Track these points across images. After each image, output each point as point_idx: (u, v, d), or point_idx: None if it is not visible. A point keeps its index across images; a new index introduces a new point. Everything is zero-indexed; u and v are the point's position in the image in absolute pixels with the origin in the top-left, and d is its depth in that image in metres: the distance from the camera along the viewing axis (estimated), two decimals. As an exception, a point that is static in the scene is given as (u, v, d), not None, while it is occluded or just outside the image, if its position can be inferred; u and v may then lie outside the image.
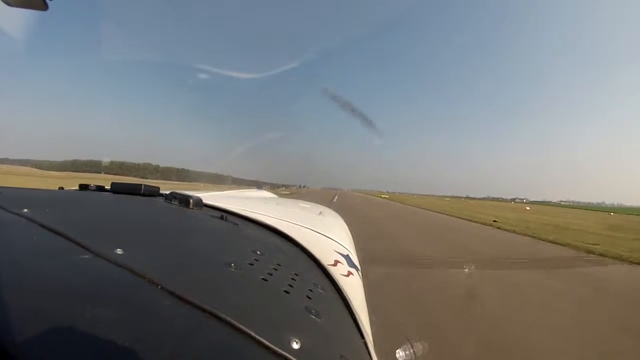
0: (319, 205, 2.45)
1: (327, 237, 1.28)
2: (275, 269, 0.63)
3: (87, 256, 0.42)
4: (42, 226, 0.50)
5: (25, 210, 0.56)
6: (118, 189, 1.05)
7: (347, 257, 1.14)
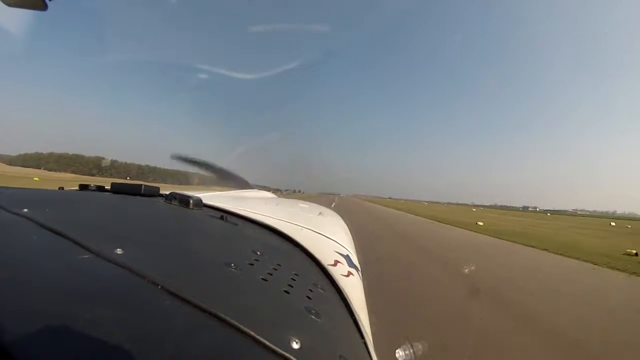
0: (318, 205, 2.45)
1: (327, 237, 1.28)
2: (275, 269, 0.63)
3: (87, 256, 0.42)
4: (42, 226, 0.50)
5: (25, 210, 0.56)
6: (118, 189, 1.05)
7: (347, 257, 1.15)
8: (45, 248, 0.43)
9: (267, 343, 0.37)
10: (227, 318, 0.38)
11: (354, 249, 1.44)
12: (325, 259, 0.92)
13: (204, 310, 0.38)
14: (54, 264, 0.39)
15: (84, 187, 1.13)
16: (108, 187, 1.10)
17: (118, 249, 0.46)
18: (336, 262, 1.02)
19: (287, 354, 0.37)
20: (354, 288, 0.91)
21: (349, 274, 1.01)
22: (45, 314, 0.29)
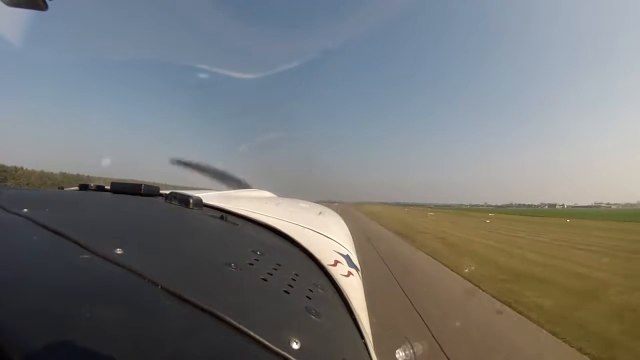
0: (319, 205, 2.46)
1: (327, 237, 1.28)
2: (275, 269, 0.63)
3: (87, 256, 0.42)
4: (42, 226, 0.50)
5: (25, 210, 0.56)
6: (118, 188, 1.05)
7: (347, 257, 1.15)
8: (45, 248, 0.43)
9: (267, 343, 0.37)
10: (227, 318, 0.38)
11: (354, 249, 1.44)
12: (325, 259, 0.92)
13: (204, 310, 0.38)
14: (54, 264, 0.39)
15: (84, 187, 1.14)
16: (108, 187, 1.10)
17: (118, 249, 0.46)
18: (336, 262, 1.02)
19: (287, 354, 0.37)
20: (353, 288, 0.91)
21: (349, 274, 1.01)
22: (45, 314, 0.29)
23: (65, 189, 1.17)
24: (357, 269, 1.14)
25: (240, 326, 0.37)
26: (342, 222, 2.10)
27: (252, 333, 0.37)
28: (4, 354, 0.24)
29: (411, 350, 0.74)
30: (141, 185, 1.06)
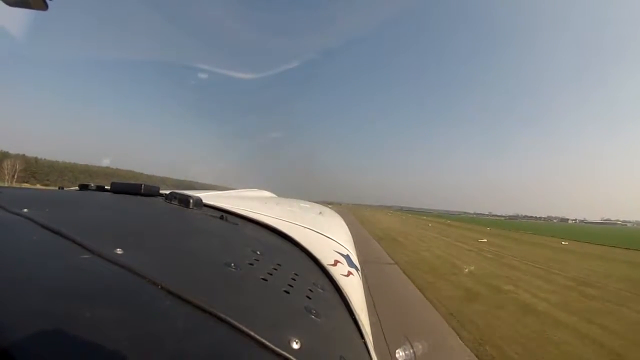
0: (319, 205, 2.46)
1: (327, 237, 1.28)
2: (275, 269, 0.63)
3: (87, 256, 0.42)
4: (42, 226, 0.50)
5: (25, 210, 0.56)
6: (118, 188, 1.05)
7: (347, 257, 1.15)
8: (45, 248, 0.43)
9: (267, 343, 0.37)
10: (227, 318, 0.38)
11: (354, 249, 1.44)
12: (325, 259, 0.92)
13: (204, 310, 0.38)
14: (54, 264, 0.39)
15: (84, 187, 1.14)
16: (108, 186, 1.10)
17: (118, 249, 0.46)
18: (336, 262, 1.02)
19: (287, 354, 0.38)
20: (353, 288, 0.91)
21: (349, 273, 1.01)
22: (45, 314, 0.29)
23: (65, 189, 1.17)
24: (357, 269, 1.15)
25: (240, 326, 0.37)
26: (342, 222, 2.10)
27: (252, 333, 0.37)
28: (4, 354, 0.24)
29: (411, 350, 0.74)
30: (141, 185, 1.06)
